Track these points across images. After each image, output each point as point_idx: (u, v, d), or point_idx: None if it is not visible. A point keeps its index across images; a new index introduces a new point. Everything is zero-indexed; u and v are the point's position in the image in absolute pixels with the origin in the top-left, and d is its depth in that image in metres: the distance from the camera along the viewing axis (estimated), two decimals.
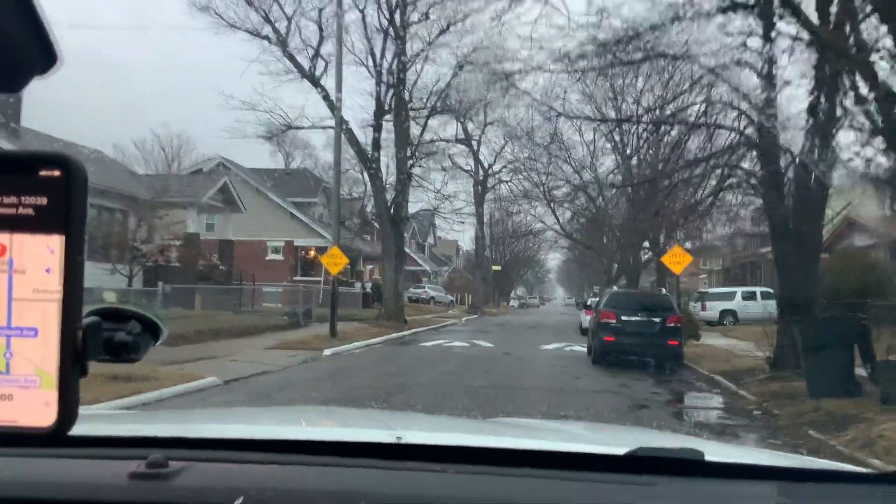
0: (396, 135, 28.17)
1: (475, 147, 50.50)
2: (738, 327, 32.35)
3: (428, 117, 29.30)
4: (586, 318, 27.49)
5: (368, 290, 41.46)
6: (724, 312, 33.43)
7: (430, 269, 68.94)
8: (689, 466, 1.39)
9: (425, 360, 16.04)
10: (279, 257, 40.35)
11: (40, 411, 0.61)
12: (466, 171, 49.83)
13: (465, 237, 67.51)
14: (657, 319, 14.91)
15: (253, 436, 1.57)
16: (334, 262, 19.56)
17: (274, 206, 40.93)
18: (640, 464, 1.39)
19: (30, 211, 0.60)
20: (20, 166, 0.61)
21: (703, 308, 32.69)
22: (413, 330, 26.55)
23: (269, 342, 18.75)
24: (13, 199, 0.60)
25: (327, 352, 17.02)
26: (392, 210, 28.06)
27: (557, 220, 37.89)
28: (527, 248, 78.65)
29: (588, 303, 28.47)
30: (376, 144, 27.31)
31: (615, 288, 16.39)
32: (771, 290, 36.11)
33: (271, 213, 40.70)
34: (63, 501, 1.23)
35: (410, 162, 28.30)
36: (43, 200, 0.60)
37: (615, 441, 1.98)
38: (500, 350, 18.76)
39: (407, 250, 66.48)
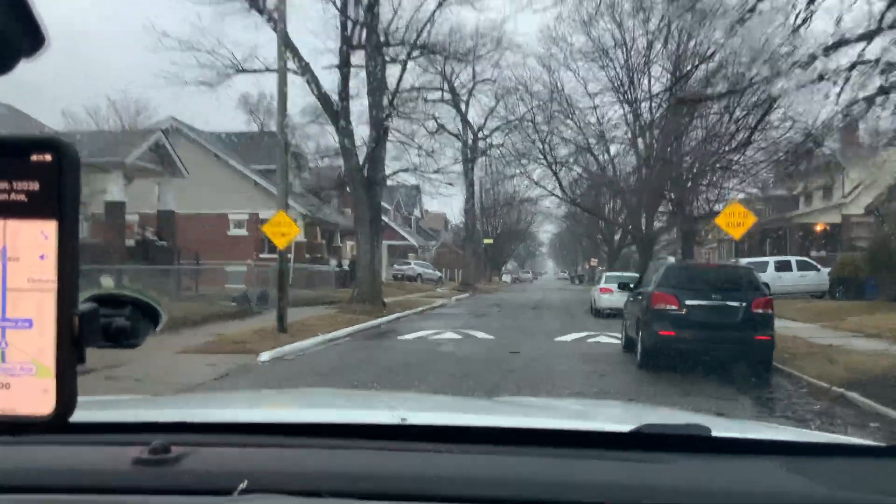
0: (369, 80, 23.15)
1: (463, 108, 45.77)
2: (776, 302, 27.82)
3: (407, 59, 24.31)
4: (602, 297, 22.85)
5: (346, 267, 36.72)
6: None
7: (417, 243, 64.20)
8: (696, 443, 1.38)
9: (400, 368, 11.25)
10: (243, 232, 35.45)
11: (39, 399, 0.61)
12: (455, 135, 45.02)
13: (453, 209, 62.63)
14: (739, 304, 10.17)
15: (255, 419, 1.58)
16: (280, 231, 14.68)
17: (236, 174, 35.90)
18: (646, 441, 1.37)
19: (22, 197, 0.60)
20: (11, 151, 0.61)
21: None
22: (393, 315, 21.77)
23: (198, 340, 13.96)
24: (5, 185, 0.60)
25: (265, 356, 12.21)
26: (366, 171, 23.13)
27: (559, 182, 33.05)
28: (520, 220, 74.07)
29: (604, 281, 23.60)
30: (343, 89, 22.26)
31: (671, 259, 11.56)
32: (809, 260, 31.59)
33: (233, 182, 35.69)
34: (66, 488, 1.21)
35: (387, 112, 23.29)
36: (35, 185, 0.60)
37: (621, 418, 1.97)
38: (503, 346, 14.03)
39: (392, 224, 61.60)
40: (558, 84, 32.73)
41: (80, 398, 0.63)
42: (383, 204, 62.00)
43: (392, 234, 60.51)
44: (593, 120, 32.90)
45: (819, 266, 29.48)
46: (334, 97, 22.57)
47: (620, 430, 1.45)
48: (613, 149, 32.89)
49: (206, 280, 26.09)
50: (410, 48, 23.75)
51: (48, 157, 0.60)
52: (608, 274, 24.71)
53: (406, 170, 23.71)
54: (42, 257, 0.60)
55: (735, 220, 14.44)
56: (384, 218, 61.09)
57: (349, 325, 17.71)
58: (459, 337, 15.95)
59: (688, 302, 10.22)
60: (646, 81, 30.75)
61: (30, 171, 0.60)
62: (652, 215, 32.06)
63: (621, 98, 31.22)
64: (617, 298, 22.60)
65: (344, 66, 22.27)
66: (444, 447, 1.32)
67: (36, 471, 1.25)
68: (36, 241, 0.60)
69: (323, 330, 16.12)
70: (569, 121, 33.00)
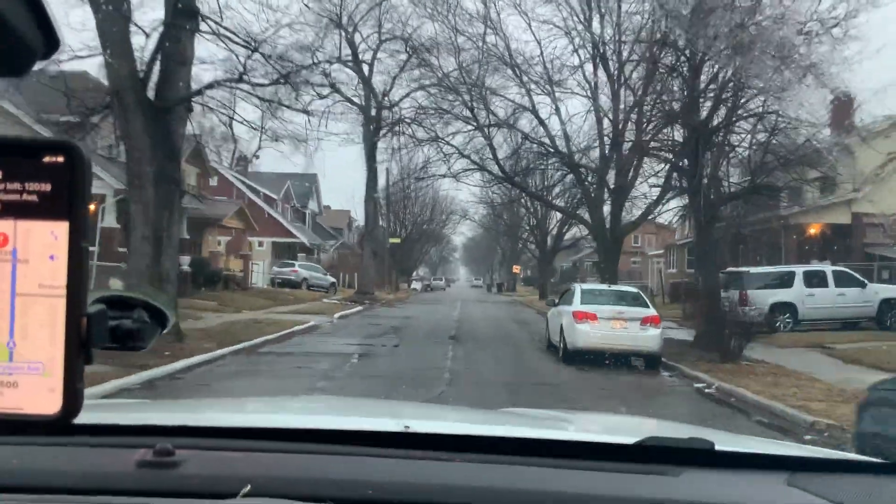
0: None
1: (366, 71, 35.18)
2: (813, 334, 18.58)
3: None
4: (580, 329, 12.66)
5: (186, 266, 25.55)
6: (776, 307, 19.62)
7: (311, 242, 52.94)
8: (700, 456, 1.38)
9: None
10: None
11: (45, 399, 0.61)
12: (355, 104, 34.32)
13: (357, 207, 51.20)
14: None
15: (260, 424, 1.57)
16: None
17: (13, 123, 23.95)
18: (650, 454, 1.38)
19: (34, 198, 0.61)
20: (23, 152, 0.61)
21: (744, 300, 18.45)
22: (181, 363, 10.91)
23: None
24: (17, 186, 0.61)
25: None
26: (151, 86, 12.20)
27: (493, 152, 22.90)
28: (434, 218, 64.03)
29: (580, 300, 13.21)
30: None
31: None
32: (851, 272, 22.32)
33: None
34: (71, 489, 1.20)
35: None
36: (47, 187, 0.61)
37: (625, 431, 1.99)
38: None
39: (277, 216, 49.72)
40: (491, 14, 22.67)
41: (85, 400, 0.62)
42: (266, 192, 50.14)
43: (278, 230, 49.08)
44: (540, 70, 22.99)
45: (865, 281, 20.46)
46: None
47: (625, 443, 1.46)
48: (565, 111, 23.02)
49: None
50: None
51: (60, 159, 0.61)
52: (586, 287, 14.49)
53: (227, 81, 12.73)
54: (52, 258, 0.61)
55: None
56: (268, 209, 49.37)
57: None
58: None
59: None
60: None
61: (41, 173, 0.60)
62: (622, 202, 22.45)
63: (580, 33, 21.46)
64: (610, 333, 12.54)
65: None
66: (447, 455, 1.31)
67: (40, 472, 1.25)
68: (46, 241, 0.60)
69: None
70: (506, 67, 22.98)
